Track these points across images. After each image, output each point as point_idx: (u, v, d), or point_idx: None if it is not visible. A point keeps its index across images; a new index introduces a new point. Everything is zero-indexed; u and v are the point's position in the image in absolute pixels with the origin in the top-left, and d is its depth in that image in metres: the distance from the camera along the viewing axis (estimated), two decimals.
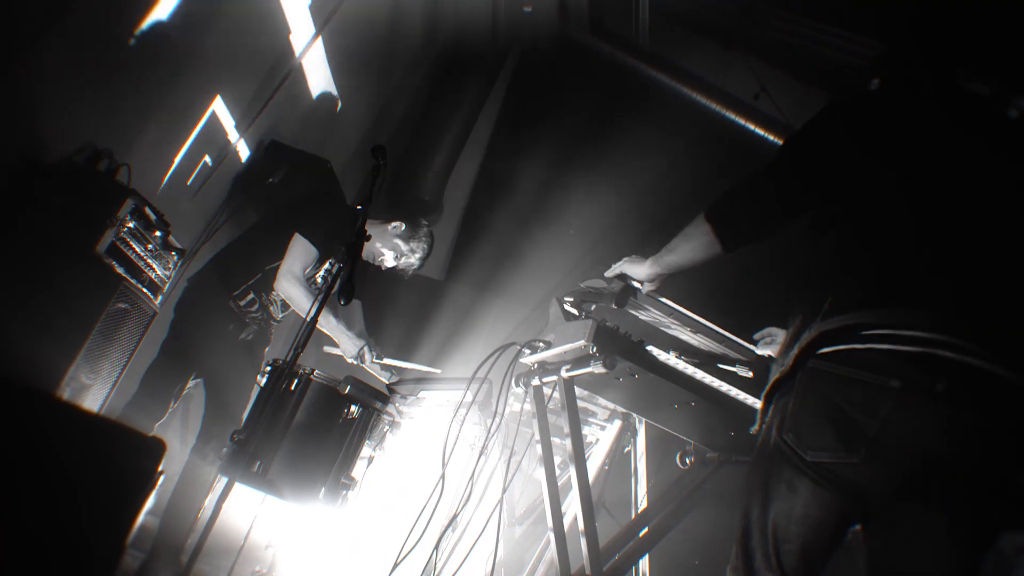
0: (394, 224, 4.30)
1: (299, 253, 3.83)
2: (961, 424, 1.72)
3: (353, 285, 2.90)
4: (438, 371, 4.21)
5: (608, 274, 2.74)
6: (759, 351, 2.84)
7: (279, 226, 3.94)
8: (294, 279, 3.77)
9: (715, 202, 2.20)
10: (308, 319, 2.78)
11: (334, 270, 4.08)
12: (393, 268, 4.37)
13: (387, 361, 4.02)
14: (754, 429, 2.11)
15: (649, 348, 2.63)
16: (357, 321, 4.50)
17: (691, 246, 2.29)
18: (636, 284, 2.74)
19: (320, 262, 4.01)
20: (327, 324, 3.92)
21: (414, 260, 4.36)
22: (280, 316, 4.17)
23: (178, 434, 4.53)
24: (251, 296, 3.91)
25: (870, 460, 1.74)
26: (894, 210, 1.95)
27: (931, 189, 1.94)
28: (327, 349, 4.18)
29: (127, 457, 1.60)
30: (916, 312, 1.78)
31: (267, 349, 4.20)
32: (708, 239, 2.20)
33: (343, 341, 3.93)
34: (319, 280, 4.11)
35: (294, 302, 3.80)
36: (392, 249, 4.27)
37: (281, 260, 3.82)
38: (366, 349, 3.90)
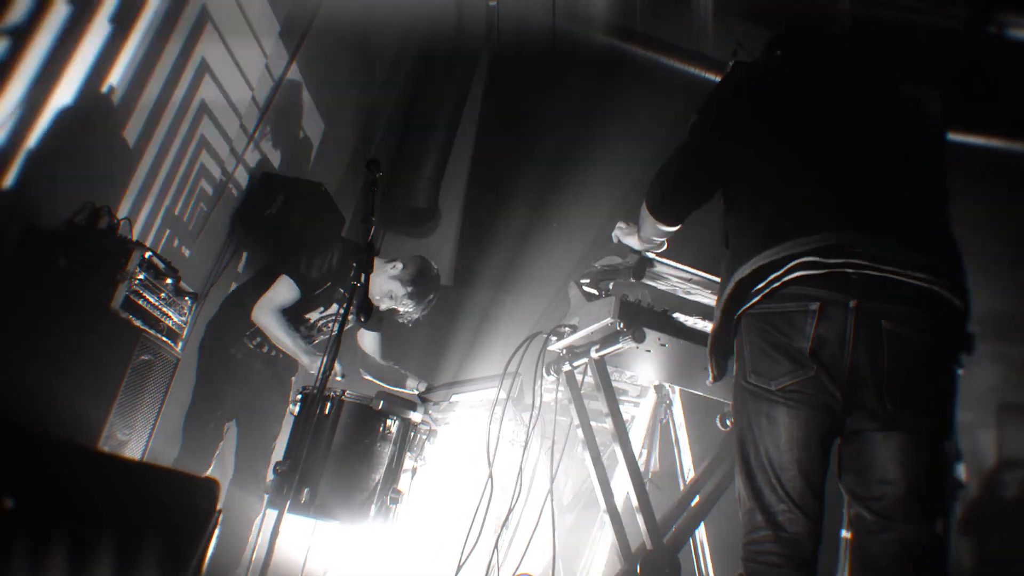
0: (393, 263, 3.99)
1: (280, 289, 3.83)
2: (877, 330, 1.88)
3: (371, 302, 2.90)
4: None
5: (614, 238, 2.84)
6: None
7: (275, 271, 3.94)
8: (268, 311, 3.78)
9: (648, 186, 2.40)
10: (332, 341, 2.79)
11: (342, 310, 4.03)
12: (391, 312, 4.09)
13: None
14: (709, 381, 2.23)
15: (675, 316, 2.62)
16: (375, 350, 4.38)
17: (645, 226, 2.53)
18: (650, 255, 2.76)
19: (313, 304, 3.98)
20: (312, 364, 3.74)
21: (411, 308, 3.99)
22: None
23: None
24: (259, 339, 3.94)
25: (822, 371, 1.90)
26: (780, 164, 2.12)
27: (809, 140, 2.13)
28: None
29: (186, 501, 1.61)
30: (814, 239, 1.94)
31: (293, 378, 4.19)
32: (650, 220, 2.45)
33: (303, 359, 3.80)
34: (332, 326, 4.02)
35: (268, 331, 3.80)
36: (388, 291, 3.96)
37: None
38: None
